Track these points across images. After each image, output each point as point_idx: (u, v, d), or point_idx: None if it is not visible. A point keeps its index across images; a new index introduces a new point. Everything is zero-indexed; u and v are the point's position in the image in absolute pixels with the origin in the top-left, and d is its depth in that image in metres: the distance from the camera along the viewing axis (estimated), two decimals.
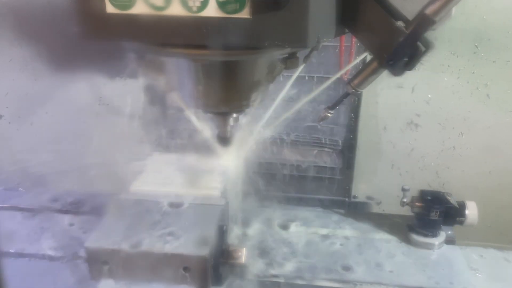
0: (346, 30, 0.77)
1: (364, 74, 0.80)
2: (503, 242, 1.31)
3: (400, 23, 0.70)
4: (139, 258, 0.87)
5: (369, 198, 1.61)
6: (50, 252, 1.08)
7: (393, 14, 0.70)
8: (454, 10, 0.71)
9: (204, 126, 0.98)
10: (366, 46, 0.76)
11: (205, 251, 0.88)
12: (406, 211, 1.17)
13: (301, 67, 0.84)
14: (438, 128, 1.57)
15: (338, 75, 1.10)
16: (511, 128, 1.53)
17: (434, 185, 1.52)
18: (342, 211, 1.31)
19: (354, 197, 1.61)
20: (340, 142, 1.56)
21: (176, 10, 0.65)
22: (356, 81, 0.81)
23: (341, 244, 1.13)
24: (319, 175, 1.59)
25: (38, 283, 0.99)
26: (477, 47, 1.46)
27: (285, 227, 1.20)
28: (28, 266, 1.04)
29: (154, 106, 1.45)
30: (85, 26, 0.70)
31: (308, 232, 1.18)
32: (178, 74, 0.86)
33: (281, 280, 1.00)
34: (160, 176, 1.10)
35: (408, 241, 1.13)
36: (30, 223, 1.21)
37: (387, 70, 0.73)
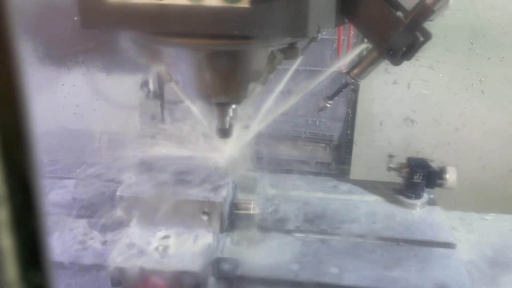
0: (346, 20, 0.78)
1: (364, 64, 0.80)
2: None
3: (399, 14, 0.70)
4: (164, 204, 0.98)
5: None
6: None
7: (393, 4, 0.71)
8: (452, 1, 0.72)
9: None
10: (366, 36, 0.76)
11: (221, 198, 0.98)
12: (393, 178, 1.26)
13: (300, 58, 0.85)
14: (434, 124, 1.58)
15: (335, 67, 1.11)
16: (506, 124, 1.54)
17: None
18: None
19: None
20: (336, 137, 1.57)
21: None
22: (355, 71, 0.81)
23: (334, 204, 1.24)
24: (315, 170, 1.60)
25: None
26: (472, 44, 1.47)
27: None
28: None
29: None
30: (85, 15, 0.70)
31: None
32: (177, 64, 0.86)
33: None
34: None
35: (395, 202, 1.24)
36: None
37: (387, 60, 0.74)
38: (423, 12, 0.67)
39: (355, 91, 1.51)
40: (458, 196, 1.48)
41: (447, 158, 1.58)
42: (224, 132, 0.94)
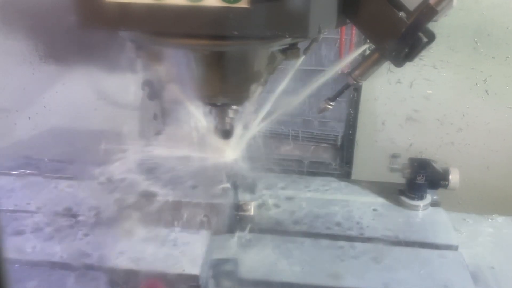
0: (348, 21, 0.76)
1: (365, 65, 0.79)
2: None
3: (402, 14, 0.69)
4: (165, 206, 0.99)
5: None
6: None
7: (395, 4, 0.69)
8: (456, 0, 0.71)
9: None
10: (368, 37, 0.75)
11: (221, 200, 0.99)
12: (396, 179, 1.25)
13: (301, 59, 0.84)
14: (437, 124, 1.57)
15: (337, 68, 1.10)
16: (510, 124, 1.53)
17: None
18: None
19: None
20: (339, 137, 1.56)
21: None
22: (357, 72, 0.80)
23: (335, 205, 1.23)
24: (317, 170, 1.59)
25: None
26: (476, 43, 1.46)
27: None
28: None
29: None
30: (83, 15, 0.69)
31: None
32: (176, 65, 0.85)
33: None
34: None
35: (397, 203, 1.23)
36: None
37: (389, 61, 0.73)
38: (426, 13, 0.66)
39: (358, 90, 1.50)
40: (461, 197, 1.47)
41: (451, 159, 1.57)
42: (225, 133, 0.93)
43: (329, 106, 0.94)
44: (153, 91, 1.45)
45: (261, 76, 0.83)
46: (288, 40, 0.76)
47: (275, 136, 1.55)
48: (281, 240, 1.08)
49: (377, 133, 1.60)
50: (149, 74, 1.39)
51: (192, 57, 0.80)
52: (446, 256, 1.04)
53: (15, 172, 1.35)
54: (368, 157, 1.61)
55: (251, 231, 1.07)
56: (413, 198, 1.21)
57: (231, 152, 1.08)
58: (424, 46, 0.71)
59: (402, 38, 0.68)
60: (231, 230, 1.05)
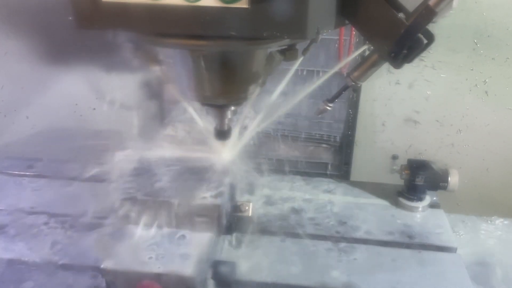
0: (346, 22, 0.76)
1: (364, 66, 0.79)
2: None
3: (401, 15, 0.69)
4: (162, 206, 0.98)
5: None
6: None
7: (395, 5, 0.69)
8: (456, 2, 0.71)
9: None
10: (367, 38, 0.75)
11: (219, 200, 0.98)
12: (395, 180, 1.25)
13: (300, 59, 0.83)
14: (437, 125, 1.57)
15: (336, 69, 1.09)
16: (510, 125, 1.52)
17: None
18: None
19: None
20: (338, 138, 1.55)
21: None
22: (356, 74, 0.80)
23: (334, 206, 1.24)
24: (316, 171, 1.59)
25: None
26: (476, 44, 1.45)
27: None
28: None
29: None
30: (79, 14, 0.68)
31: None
32: (175, 65, 0.84)
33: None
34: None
35: (396, 204, 1.23)
36: None
37: (388, 63, 0.73)
38: (426, 14, 0.65)
39: (357, 91, 1.49)
40: (461, 199, 1.46)
41: (450, 160, 1.57)
42: (223, 134, 0.92)
43: (328, 108, 0.93)
44: (152, 91, 1.44)
45: (259, 76, 0.83)
46: (287, 41, 0.75)
47: (273, 136, 1.55)
48: (279, 241, 1.08)
49: (376, 134, 1.60)
50: (148, 74, 1.39)
51: (190, 57, 0.79)
52: (445, 258, 1.04)
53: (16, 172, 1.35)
54: (367, 158, 1.61)
55: (249, 232, 1.07)
56: (412, 200, 1.21)
57: (229, 153, 1.07)
58: (423, 47, 0.70)
59: (401, 40, 0.68)
60: (229, 231, 1.05)
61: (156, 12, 0.65)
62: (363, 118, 1.56)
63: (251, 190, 1.24)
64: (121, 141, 1.13)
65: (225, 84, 0.81)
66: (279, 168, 1.49)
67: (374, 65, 0.77)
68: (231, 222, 1.05)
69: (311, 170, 1.58)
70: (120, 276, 0.88)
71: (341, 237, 1.09)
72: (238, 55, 0.78)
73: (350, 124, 1.54)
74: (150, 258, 0.90)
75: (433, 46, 0.72)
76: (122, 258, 0.90)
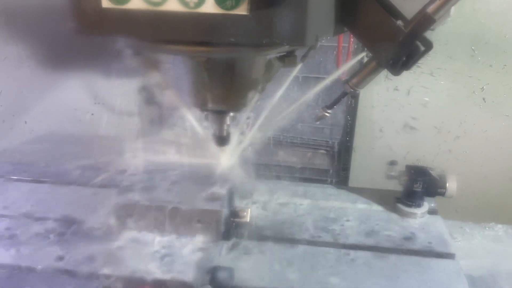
0: (345, 29, 0.76)
1: (363, 73, 0.79)
2: None
3: (399, 22, 0.69)
4: (161, 212, 0.98)
5: None
6: None
7: (393, 13, 0.69)
8: (453, 9, 0.71)
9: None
10: (365, 45, 0.75)
11: (217, 206, 0.98)
12: (393, 186, 1.25)
13: (299, 66, 0.84)
14: (434, 132, 1.57)
15: (335, 75, 1.10)
16: (507, 132, 1.53)
17: None
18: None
19: None
20: (336, 144, 1.56)
21: (173, 5, 0.65)
22: (354, 81, 0.80)
23: (332, 212, 1.23)
24: (314, 177, 1.59)
25: None
26: (474, 51, 1.46)
27: None
28: None
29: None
30: (81, 21, 0.69)
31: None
32: (175, 72, 0.85)
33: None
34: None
35: (394, 211, 1.23)
36: None
37: (386, 70, 0.73)
38: (424, 22, 0.66)
39: (355, 97, 1.50)
40: (459, 205, 1.46)
41: (448, 166, 1.57)
42: (222, 140, 0.93)
43: (327, 114, 0.93)
44: (150, 96, 1.45)
45: (258, 83, 0.83)
46: (286, 48, 0.76)
47: (272, 142, 1.55)
48: (277, 247, 1.07)
49: (374, 140, 1.60)
50: (146, 79, 1.39)
51: (190, 63, 0.80)
52: (443, 264, 1.03)
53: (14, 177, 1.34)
54: (366, 164, 1.61)
55: (247, 238, 1.07)
56: (410, 206, 1.20)
57: (227, 158, 1.08)
58: (421, 54, 0.71)
59: (400, 47, 0.68)
60: (227, 236, 1.04)
61: (157, 18, 0.66)
62: (361, 124, 1.56)
63: (249, 195, 1.24)
64: (120, 147, 1.13)
65: (225, 91, 0.82)
66: (277, 173, 1.49)
67: (373, 72, 0.77)
68: (229, 228, 1.05)
69: (309, 176, 1.58)
70: (119, 282, 0.88)
71: (340, 243, 1.09)
72: (237, 62, 0.78)
73: (349, 130, 1.54)
74: (150, 264, 0.90)
75: (431, 53, 0.73)
76: (121, 264, 0.90)
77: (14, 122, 1.70)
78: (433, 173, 1.20)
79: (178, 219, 0.98)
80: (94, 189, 1.24)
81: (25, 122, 1.69)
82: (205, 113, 0.89)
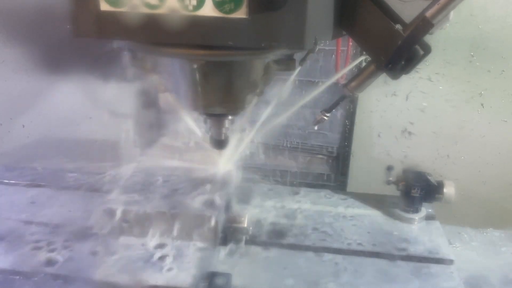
0: (344, 33, 0.76)
1: (361, 77, 0.79)
2: None
3: (398, 27, 0.69)
4: (157, 217, 0.98)
5: None
6: None
7: (392, 17, 0.69)
8: (453, 14, 0.71)
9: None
10: (364, 49, 0.75)
11: (215, 211, 0.97)
12: (391, 191, 1.24)
13: (297, 70, 0.83)
14: (432, 137, 1.57)
15: (334, 79, 1.10)
16: (506, 137, 1.53)
17: None
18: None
19: None
20: (334, 149, 1.56)
21: (171, 8, 0.64)
22: (353, 84, 0.80)
23: (330, 218, 1.23)
24: (312, 182, 1.58)
25: None
26: (472, 56, 1.47)
27: None
28: None
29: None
30: (79, 23, 0.68)
31: None
32: (173, 75, 0.85)
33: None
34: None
35: (392, 216, 1.23)
36: None
37: (385, 74, 0.73)
38: (423, 26, 0.66)
39: (354, 102, 1.50)
40: (457, 211, 1.46)
41: (446, 172, 1.57)
42: (220, 144, 0.92)
43: (325, 118, 0.93)
44: (148, 100, 1.44)
45: (257, 86, 0.83)
46: (285, 51, 0.76)
47: (270, 146, 1.55)
48: (275, 252, 1.07)
49: (372, 145, 1.60)
50: (144, 83, 1.39)
51: (188, 67, 0.80)
52: (441, 270, 1.03)
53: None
54: (364, 169, 1.61)
55: (244, 243, 1.06)
56: (408, 211, 1.20)
57: (225, 163, 1.07)
58: (420, 58, 0.71)
59: (398, 51, 0.68)
60: (224, 242, 1.04)
61: (154, 21, 0.65)
62: (359, 129, 1.56)
63: (246, 200, 1.24)
64: (117, 151, 1.13)
65: (222, 94, 0.81)
66: (276, 178, 1.49)
67: (371, 76, 0.77)
68: (226, 233, 1.05)
69: (307, 181, 1.58)
70: (115, 287, 0.87)
71: (337, 248, 1.09)
72: (236, 65, 0.78)
73: (347, 135, 1.54)
74: (146, 270, 0.89)
75: (429, 58, 0.73)
76: (117, 269, 0.89)
77: (11, 126, 1.69)
78: (431, 178, 1.20)
79: (174, 225, 0.97)
80: (90, 193, 1.23)
81: (23, 126, 1.69)
82: (204, 116, 0.88)
